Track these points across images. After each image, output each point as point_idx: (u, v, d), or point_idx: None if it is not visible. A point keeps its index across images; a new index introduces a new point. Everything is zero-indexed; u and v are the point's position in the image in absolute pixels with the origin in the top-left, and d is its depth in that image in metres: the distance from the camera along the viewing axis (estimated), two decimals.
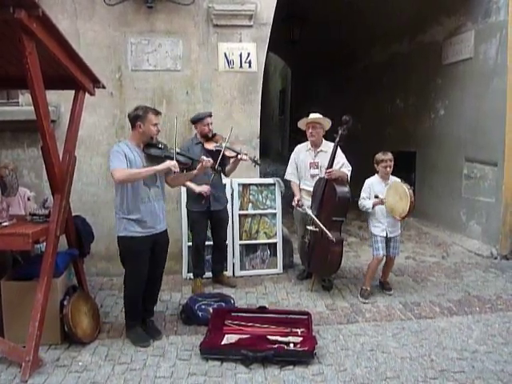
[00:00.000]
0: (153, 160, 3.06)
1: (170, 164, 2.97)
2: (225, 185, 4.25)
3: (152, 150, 3.08)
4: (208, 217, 4.02)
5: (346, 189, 3.80)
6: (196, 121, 3.94)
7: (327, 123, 4.05)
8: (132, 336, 3.15)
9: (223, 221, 4.17)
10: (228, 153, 3.85)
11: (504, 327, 3.36)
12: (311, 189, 4.08)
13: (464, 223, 5.60)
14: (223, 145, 3.80)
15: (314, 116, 4.07)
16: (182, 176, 3.33)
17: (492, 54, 5.08)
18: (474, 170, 5.42)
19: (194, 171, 3.24)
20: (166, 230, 3.23)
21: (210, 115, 3.94)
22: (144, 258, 3.06)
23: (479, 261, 4.95)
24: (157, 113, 3.05)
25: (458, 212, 5.71)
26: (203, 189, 3.81)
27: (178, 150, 3.16)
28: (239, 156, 3.85)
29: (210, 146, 3.89)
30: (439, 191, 6.15)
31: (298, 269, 4.57)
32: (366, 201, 3.89)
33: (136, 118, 3.00)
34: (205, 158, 3.23)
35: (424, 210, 6.55)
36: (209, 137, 3.92)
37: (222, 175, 4.06)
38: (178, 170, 2.99)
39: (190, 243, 4.29)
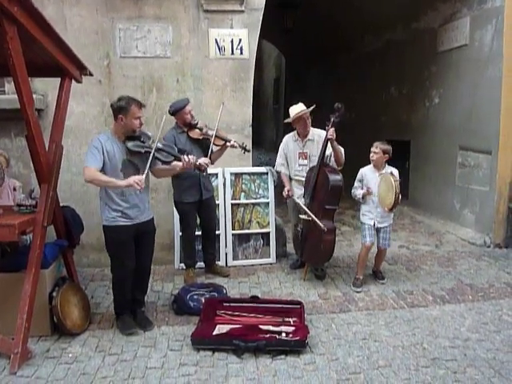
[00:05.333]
0: (133, 154, 2.96)
1: (133, 181, 2.75)
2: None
3: (132, 143, 2.94)
4: (197, 207, 3.97)
5: (339, 177, 3.77)
6: (176, 111, 3.74)
7: (310, 110, 3.92)
8: (119, 324, 3.15)
9: (212, 209, 4.14)
10: (216, 141, 3.75)
11: (496, 315, 3.36)
12: (301, 178, 4.05)
13: (458, 212, 5.59)
14: (209, 132, 3.71)
15: (302, 108, 3.92)
16: (166, 170, 3.20)
17: (487, 41, 5.02)
18: (468, 159, 5.40)
19: (178, 168, 3.10)
20: (151, 220, 3.19)
21: (189, 101, 3.79)
22: (127, 247, 3.03)
23: (472, 249, 4.94)
24: (140, 105, 2.93)
25: (451, 201, 5.70)
26: (204, 160, 3.45)
27: (159, 146, 3.01)
28: (228, 143, 3.77)
29: (195, 134, 3.77)
30: (433, 180, 6.13)
31: (292, 258, 4.55)
32: (357, 190, 3.89)
33: (118, 110, 2.88)
34: (186, 158, 3.05)
35: (418, 198, 6.56)
36: (192, 124, 3.78)
37: None
38: (142, 187, 2.78)
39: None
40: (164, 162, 3.07)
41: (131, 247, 3.05)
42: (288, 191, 4.05)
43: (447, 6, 5.68)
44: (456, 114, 5.59)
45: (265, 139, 14.56)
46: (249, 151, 4.03)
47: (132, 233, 3.03)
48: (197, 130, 3.78)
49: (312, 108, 3.93)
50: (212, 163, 3.84)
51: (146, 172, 2.88)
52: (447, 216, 5.80)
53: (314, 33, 9.03)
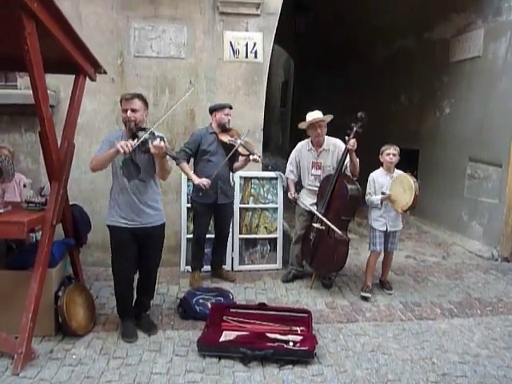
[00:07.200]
0: (133, 151, 2.80)
1: (117, 146, 2.67)
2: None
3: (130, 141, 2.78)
4: (213, 210, 3.94)
5: (357, 187, 3.70)
6: (215, 109, 3.83)
7: (329, 119, 3.89)
8: (121, 329, 3.10)
9: (228, 215, 4.09)
10: (241, 150, 3.80)
11: (506, 331, 3.32)
12: (314, 188, 3.99)
13: (465, 223, 5.55)
14: (238, 141, 3.75)
15: (319, 115, 3.85)
16: (159, 165, 2.92)
17: (501, 54, 4.99)
18: (478, 171, 5.36)
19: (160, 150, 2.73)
20: (159, 226, 3.07)
21: (231, 107, 3.87)
22: (125, 249, 2.97)
23: (480, 262, 4.90)
24: (127, 98, 2.88)
25: (459, 212, 5.66)
26: (202, 181, 3.73)
27: (151, 130, 2.79)
28: (251, 156, 3.79)
29: (225, 138, 3.81)
30: (441, 190, 6.09)
31: (289, 268, 4.26)
32: (373, 196, 3.81)
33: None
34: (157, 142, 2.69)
35: (425, 208, 6.49)
36: (225, 128, 3.83)
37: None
38: (129, 149, 2.64)
39: (190, 235, 4.21)
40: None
41: (129, 249, 2.99)
42: (293, 194, 4.01)
43: (461, 17, 5.65)
44: (467, 125, 5.55)
45: (271, 143, 14.50)
46: (271, 170, 4.10)
47: (129, 236, 2.95)
48: (227, 135, 3.82)
49: (330, 118, 3.85)
50: (233, 172, 4.03)
51: (134, 143, 2.70)
52: (454, 227, 5.76)
53: (324, 38, 9.02)
